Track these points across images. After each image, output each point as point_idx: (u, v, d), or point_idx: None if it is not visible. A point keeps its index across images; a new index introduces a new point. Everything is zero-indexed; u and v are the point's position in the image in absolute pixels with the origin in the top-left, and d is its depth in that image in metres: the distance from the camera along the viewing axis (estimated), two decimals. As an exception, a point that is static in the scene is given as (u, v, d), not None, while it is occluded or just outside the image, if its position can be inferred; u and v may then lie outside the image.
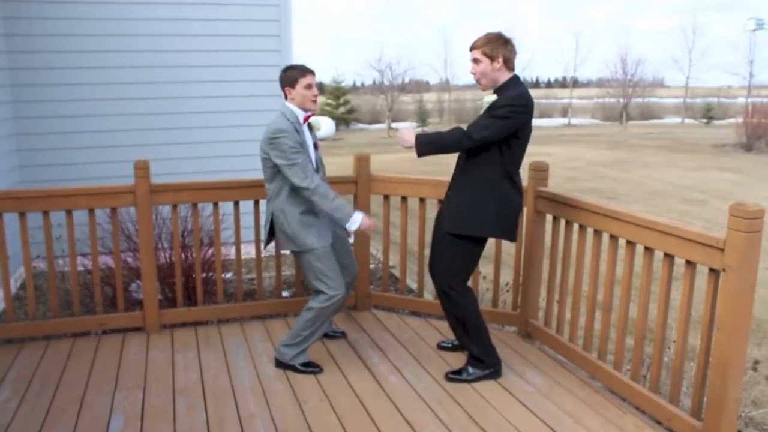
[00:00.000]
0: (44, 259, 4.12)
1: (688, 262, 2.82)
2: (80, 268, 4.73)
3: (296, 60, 4.27)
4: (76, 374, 3.49)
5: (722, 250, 2.60)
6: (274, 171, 3.37)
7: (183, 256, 4.50)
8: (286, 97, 3.45)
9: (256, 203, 4.25)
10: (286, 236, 3.43)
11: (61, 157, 5.82)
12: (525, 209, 3.79)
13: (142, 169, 3.90)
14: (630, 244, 3.14)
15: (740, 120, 23.42)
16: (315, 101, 3.46)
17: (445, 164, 3.49)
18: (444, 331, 4.08)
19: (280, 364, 3.55)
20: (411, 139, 3.22)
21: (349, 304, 4.46)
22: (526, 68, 54.70)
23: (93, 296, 4.15)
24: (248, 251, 5.76)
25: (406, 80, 41.60)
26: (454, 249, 3.31)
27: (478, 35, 3.22)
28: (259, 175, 3.58)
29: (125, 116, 5.96)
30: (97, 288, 4.04)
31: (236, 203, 4.19)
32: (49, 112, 5.77)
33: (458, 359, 3.64)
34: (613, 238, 3.26)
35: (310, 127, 3.54)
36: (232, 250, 4.53)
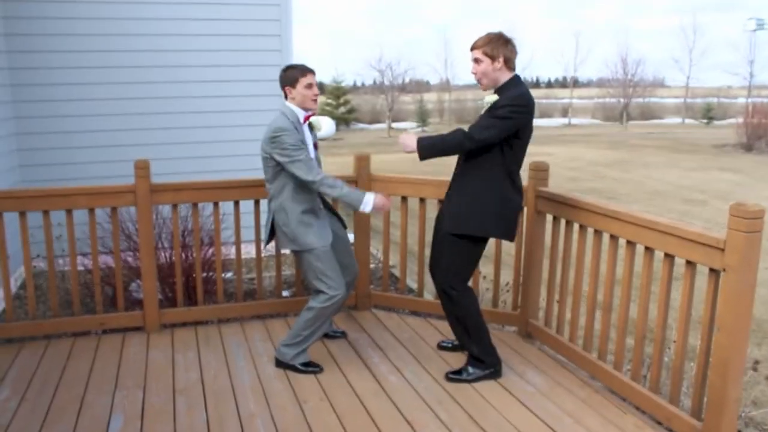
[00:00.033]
0: (44, 258, 4.11)
1: (689, 262, 2.82)
2: (80, 268, 4.73)
3: (297, 60, 4.27)
4: (76, 374, 3.49)
5: (722, 250, 2.60)
6: (276, 170, 3.37)
7: (183, 255, 4.50)
8: (286, 97, 3.44)
9: (257, 203, 4.25)
10: (286, 236, 3.43)
11: (61, 156, 5.82)
12: (525, 209, 3.80)
13: (142, 168, 3.90)
14: (630, 244, 3.13)
15: (740, 120, 23.45)
16: (315, 101, 3.46)
17: (446, 164, 3.49)
18: (444, 330, 4.08)
19: (280, 363, 3.55)
20: (413, 143, 3.23)
21: (349, 303, 4.46)
22: (526, 68, 54.66)
23: (93, 296, 4.15)
24: (248, 251, 5.75)
25: (407, 80, 41.61)
26: (455, 249, 3.31)
27: (479, 35, 3.22)
28: (259, 174, 3.58)
29: (125, 116, 5.96)
30: (97, 287, 4.04)
31: (236, 203, 4.19)
32: (49, 111, 5.77)
33: (458, 359, 3.64)
34: (614, 238, 3.26)
35: (311, 127, 3.54)
36: (233, 249, 4.53)
